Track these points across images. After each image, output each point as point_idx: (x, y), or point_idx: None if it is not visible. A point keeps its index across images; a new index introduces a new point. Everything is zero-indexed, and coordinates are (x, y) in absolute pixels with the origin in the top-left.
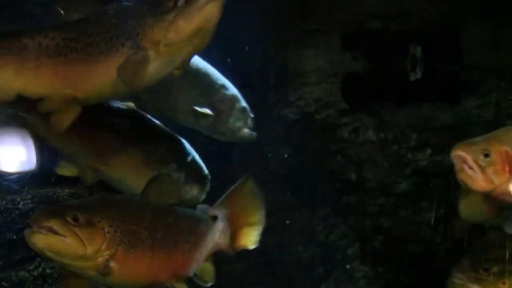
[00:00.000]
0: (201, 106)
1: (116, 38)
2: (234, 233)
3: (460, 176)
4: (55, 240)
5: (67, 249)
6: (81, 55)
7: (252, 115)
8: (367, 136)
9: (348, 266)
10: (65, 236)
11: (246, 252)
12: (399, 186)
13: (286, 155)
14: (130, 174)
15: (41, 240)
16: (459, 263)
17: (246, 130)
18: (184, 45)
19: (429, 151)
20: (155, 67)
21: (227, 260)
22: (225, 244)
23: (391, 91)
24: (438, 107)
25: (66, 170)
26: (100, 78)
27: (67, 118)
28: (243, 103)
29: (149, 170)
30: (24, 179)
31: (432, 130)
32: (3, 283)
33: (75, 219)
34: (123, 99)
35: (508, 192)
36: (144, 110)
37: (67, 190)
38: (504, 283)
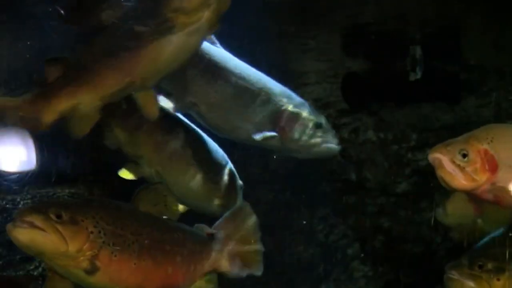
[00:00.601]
0: (264, 125)
1: (151, 19)
2: (234, 256)
3: (439, 173)
4: (37, 235)
5: (49, 244)
6: (127, 46)
7: (331, 130)
8: (367, 136)
9: (348, 266)
10: (46, 232)
11: None
12: (399, 186)
13: (286, 155)
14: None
15: (22, 234)
16: (454, 261)
17: (325, 145)
18: (200, 11)
19: (429, 151)
20: (184, 36)
21: None
22: (223, 265)
23: (391, 91)
24: (438, 107)
25: (133, 171)
26: (149, 58)
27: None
28: (318, 119)
29: (197, 174)
30: (24, 179)
31: (432, 130)
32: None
33: (58, 216)
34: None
35: (491, 190)
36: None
37: (67, 190)
38: (498, 280)
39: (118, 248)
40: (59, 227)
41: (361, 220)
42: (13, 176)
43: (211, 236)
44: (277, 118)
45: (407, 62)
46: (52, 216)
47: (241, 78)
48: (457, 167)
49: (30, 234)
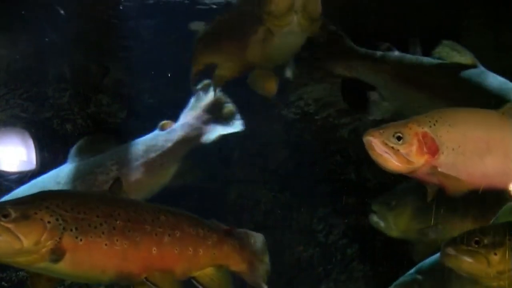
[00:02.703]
0: None
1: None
2: (252, 262)
3: (372, 155)
4: None
5: (2, 246)
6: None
7: None
8: None
9: (348, 266)
10: None
11: None
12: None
13: (286, 155)
14: None
15: None
16: (449, 239)
17: None
18: (288, 15)
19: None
20: (280, 37)
21: None
22: (240, 265)
23: None
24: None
25: None
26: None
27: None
28: None
29: None
30: (24, 179)
31: None
32: (3, 283)
33: (5, 216)
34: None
35: (433, 173)
36: None
37: None
38: (496, 254)
39: (82, 232)
40: (9, 226)
41: (361, 220)
42: (13, 176)
43: (228, 232)
44: None
45: None
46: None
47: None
48: (390, 150)
49: None
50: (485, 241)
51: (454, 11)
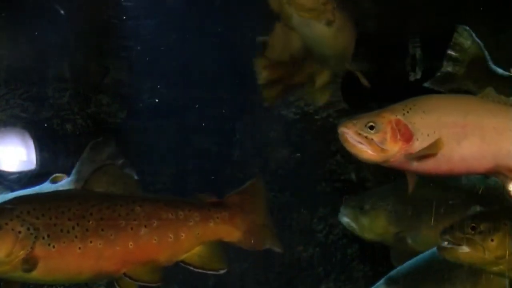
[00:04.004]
0: None
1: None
2: (247, 228)
3: (346, 147)
4: None
5: None
6: None
7: None
8: None
9: (348, 266)
10: None
11: (246, 252)
12: None
13: (286, 155)
14: None
15: None
16: (445, 227)
17: None
18: (284, 8)
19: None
20: (298, 30)
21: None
22: (232, 235)
23: (390, 91)
24: None
25: None
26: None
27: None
28: None
29: None
30: (24, 179)
31: None
32: (3, 283)
33: None
34: None
35: (412, 159)
36: None
37: None
38: (492, 240)
39: (55, 238)
40: None
41: None
42: (13, 176)
43: (214, 204)
44: None
45: (407, 62)
46: None
47: None
48: (364, 140)
49: None
50: (482, 227)
51: (454, 11)
